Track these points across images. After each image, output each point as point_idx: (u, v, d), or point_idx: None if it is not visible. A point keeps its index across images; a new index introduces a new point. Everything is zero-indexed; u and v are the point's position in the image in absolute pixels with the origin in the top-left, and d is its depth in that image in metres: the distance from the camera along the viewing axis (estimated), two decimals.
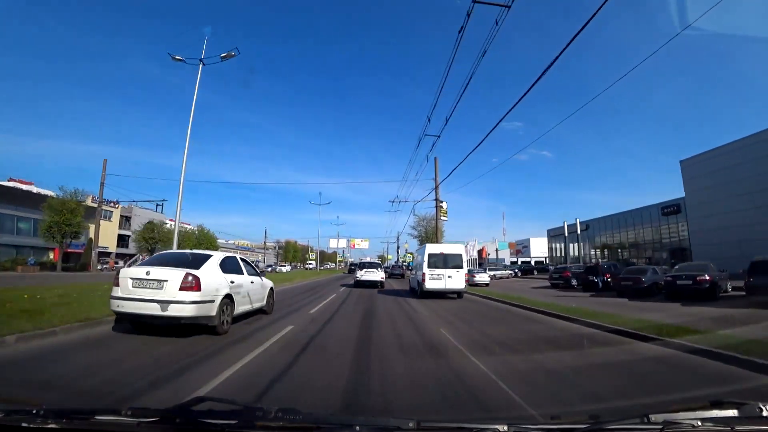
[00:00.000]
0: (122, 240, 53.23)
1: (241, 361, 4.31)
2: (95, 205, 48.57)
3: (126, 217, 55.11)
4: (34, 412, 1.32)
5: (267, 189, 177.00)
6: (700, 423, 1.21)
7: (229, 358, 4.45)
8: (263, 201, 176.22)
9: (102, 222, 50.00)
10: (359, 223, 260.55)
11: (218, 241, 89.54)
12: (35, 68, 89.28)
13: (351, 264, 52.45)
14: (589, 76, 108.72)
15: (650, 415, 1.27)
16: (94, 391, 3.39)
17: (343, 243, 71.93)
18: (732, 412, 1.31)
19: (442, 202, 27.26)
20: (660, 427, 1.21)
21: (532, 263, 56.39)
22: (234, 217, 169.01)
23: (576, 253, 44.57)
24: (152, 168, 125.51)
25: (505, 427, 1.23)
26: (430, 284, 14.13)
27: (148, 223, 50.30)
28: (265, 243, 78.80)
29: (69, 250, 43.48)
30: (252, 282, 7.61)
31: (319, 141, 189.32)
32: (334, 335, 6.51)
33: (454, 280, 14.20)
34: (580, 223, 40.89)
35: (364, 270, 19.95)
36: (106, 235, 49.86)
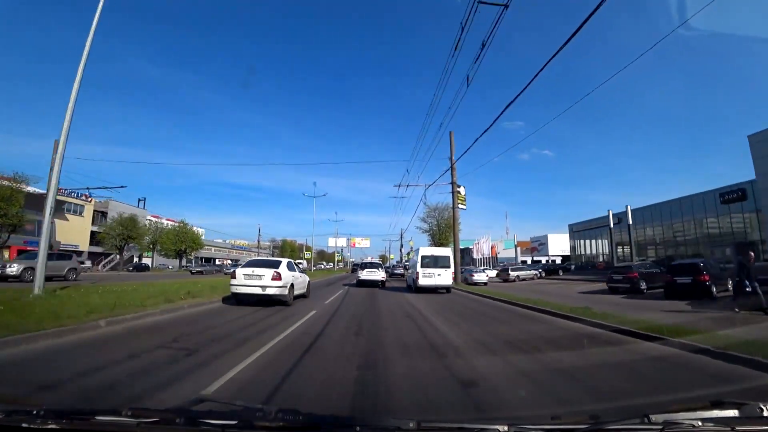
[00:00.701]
0: (96, 237, 47.70)
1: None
2: (67, 198, 43.50)
3: (101, 212, 49.77)
4: (35, 412, 1.32)
5: (267, 189, 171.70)
6: (700, 423, 1.19)
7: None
8: (264, 201, 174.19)
9: (71, 217, 44.86)
10: (360, 224, 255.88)
11: (215, 240, 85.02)
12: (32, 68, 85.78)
13: (354, 264, 54.17)
14: (592, 80, 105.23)
15: (650, 416, 1.25)
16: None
17: (342, 242, 66.79)
18: (732, 413, 1.30)
19: (459, 186, 21.82)
20: (660, 427, 1.19)
21: (545, 261, 51.21)
22: (238, 218, 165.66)
23: (610, 249, 39.02)
24: (155, 168, 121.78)
25: (506, 428, 1.22)
26: (422, 281, 16.63)
27: (128, 218, 44.62)
28: (258, 242, 73.56)
29: (28, 248, 38.48)
30: (300, 277, 11.98)
31: (320, 141, 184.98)
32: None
33: (443, 277, 16.80)
34: (614, 215, 35.35)
35: (366, 270, 20.86)
36: (76, 231, 44.76)
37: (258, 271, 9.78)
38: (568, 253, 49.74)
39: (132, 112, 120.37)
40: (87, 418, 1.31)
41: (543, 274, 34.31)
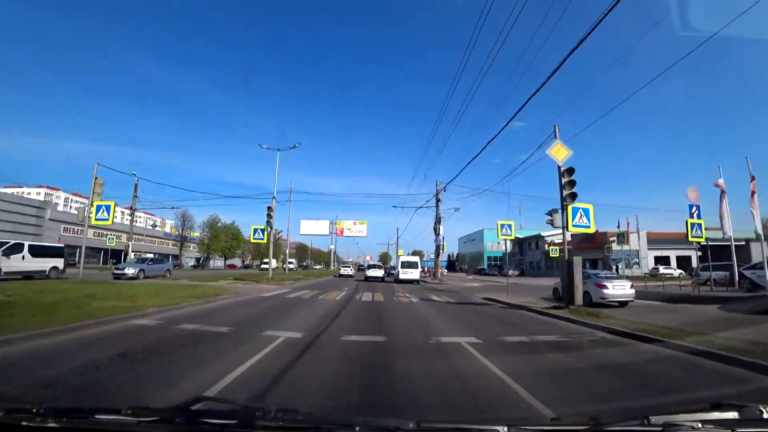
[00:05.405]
0: None
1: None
2: None
3: None
4: (34, 411, 1.31)
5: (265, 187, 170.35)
6: (700, 425, 1.19)
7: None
8: (262, 200, 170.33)
9: None
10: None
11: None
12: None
13: (359, 266, 61.00)
14: (597, 83, 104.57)
15: (650, 417, 1.25)
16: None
17: (322, 227, 44.73)
18: (732, 414, 1.30)
19: None
20: (660, 428, 1.19)
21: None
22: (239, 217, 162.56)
23: None
24: (159, 170, 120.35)
25: (505, 428, 1.21)
26: (401, 276, 28.08)
27: None
28: (163, 222, 47.75)
29: None
30: (354, 268, 49.90)
31: (320, 141, 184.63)
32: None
33: (413, 274, 28.10)
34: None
35: (371, 269, 32.56)
36: None
37: (346, 267, 41.83)
38: None
39: (126, 111, 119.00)
40: (86, 417, 1.31)
41: None
